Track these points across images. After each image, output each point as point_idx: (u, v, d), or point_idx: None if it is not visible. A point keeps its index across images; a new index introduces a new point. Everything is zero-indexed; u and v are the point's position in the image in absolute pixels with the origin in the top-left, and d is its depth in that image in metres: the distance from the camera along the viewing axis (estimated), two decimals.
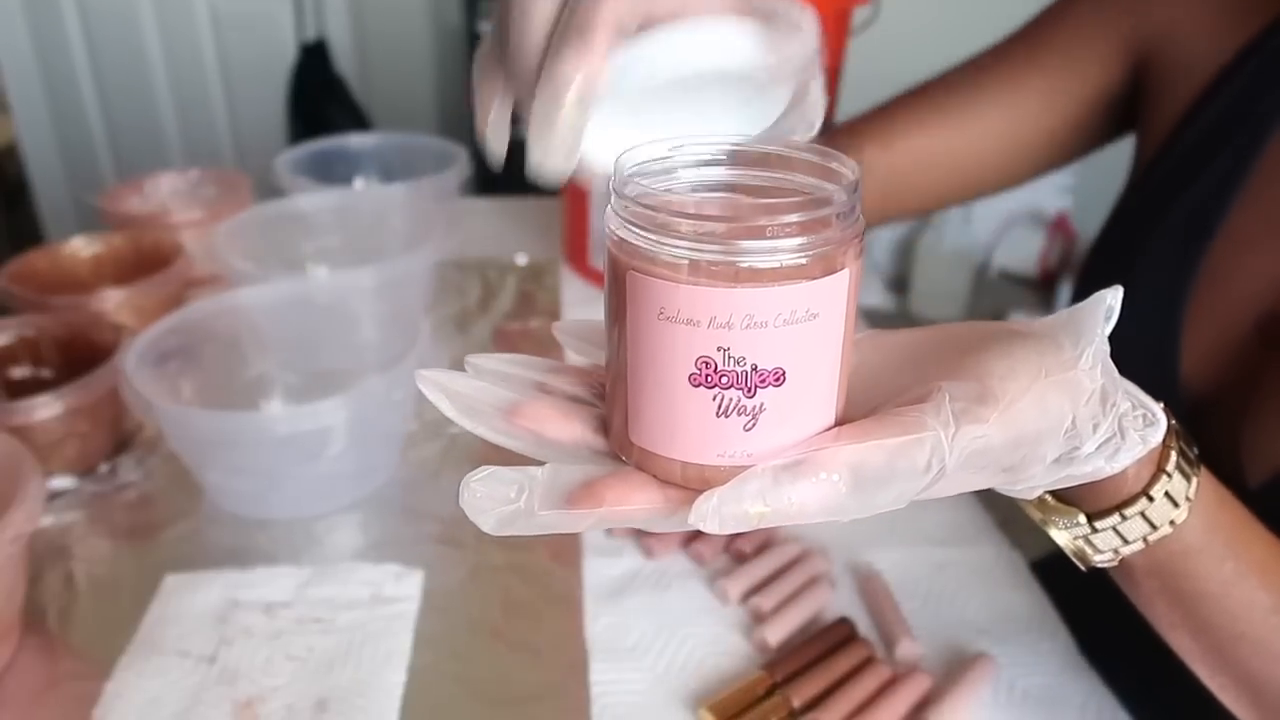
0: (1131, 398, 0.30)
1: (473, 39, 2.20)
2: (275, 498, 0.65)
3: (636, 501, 0.25)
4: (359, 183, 1.09)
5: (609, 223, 0.25)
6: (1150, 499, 0.33)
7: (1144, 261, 0.54)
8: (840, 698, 0.49)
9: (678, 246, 0.23)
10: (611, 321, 0.26)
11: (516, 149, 0.31)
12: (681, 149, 0.27)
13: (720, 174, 0.27)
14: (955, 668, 0.52)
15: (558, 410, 0.28)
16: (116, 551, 0.62)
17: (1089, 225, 1.94)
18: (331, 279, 0.78)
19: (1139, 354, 0.52)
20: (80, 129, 2.40)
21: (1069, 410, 0.27)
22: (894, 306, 2.40)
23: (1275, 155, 0.49)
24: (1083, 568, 0.36)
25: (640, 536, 0.61)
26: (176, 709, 0.50)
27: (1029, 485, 0.29)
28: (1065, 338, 0.28)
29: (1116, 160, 0.62)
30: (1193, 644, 0.37)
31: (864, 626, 0.55)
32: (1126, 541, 0.34)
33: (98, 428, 0.68)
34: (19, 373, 0.73)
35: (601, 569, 0.60)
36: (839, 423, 0.26)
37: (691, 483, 0.26)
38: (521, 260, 1.04)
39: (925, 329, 0.30)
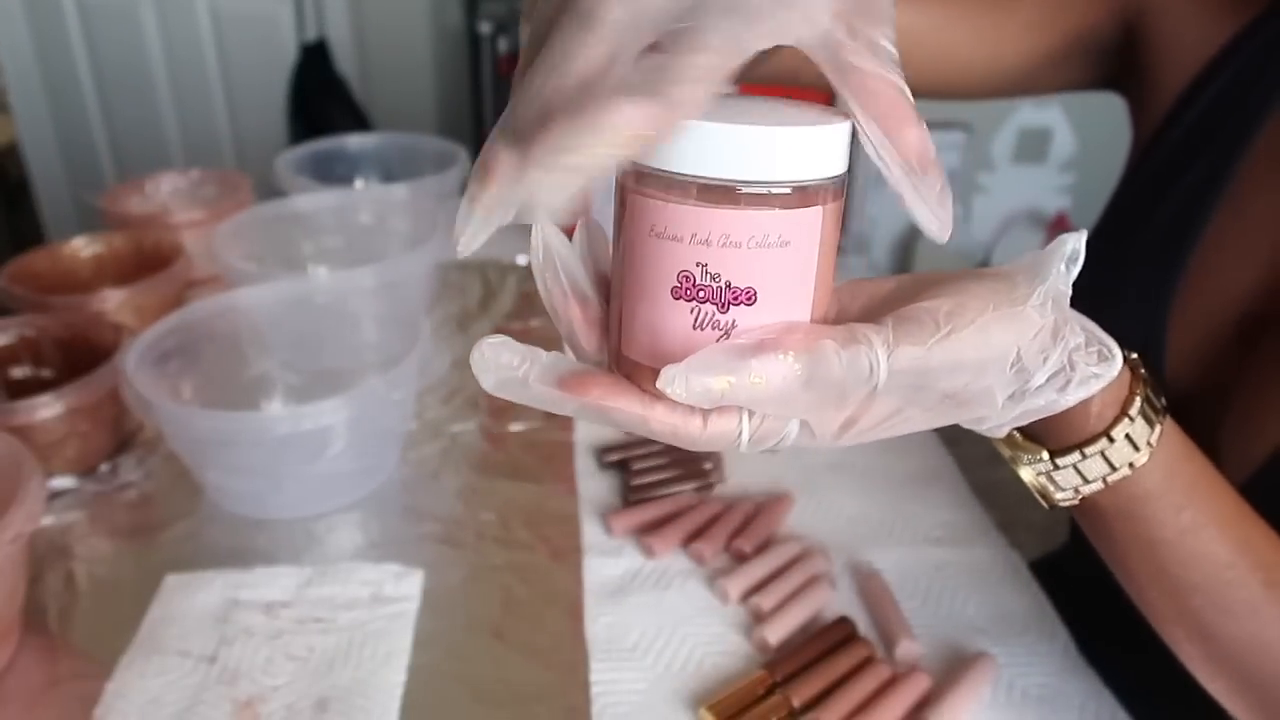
0: (1088, 333, 0.30)
1: (473, 39, 2.20)
2: (275, 497, 0.65)
3: (619, 402, 0.27)
4: (359, 183, 1.09)
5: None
6: (1111, 440, 0.34)
7: (1131, 261, 0.54)
8: (840, 697, 0.49)
9: (674, 170, 0.26)
10: (615, 243, 0.29)
11: None
12: None
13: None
14: (955, 668, 0.52)
15: (619, 380, 0.29)
16: (117, 551, 0.62)
17: (1088, 225, 1.94)
18: (331, 279, 0.78)
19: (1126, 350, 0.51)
20: (81, 129, 2.40)
21: (1012, 342, 0.28)
22: None
23: (1257, 157, 0.49)
24: (1046, 505, 0.37)
25: (640, 536, 0.61)
26: (177, 709, 0.50)
27: (991, 424, 0.31)
28: (1021, 277, 0.29)
29: (1116, 160, 0.62)
30: (1148, 591, 0.38)
31: (864, 626, 0.55)
32: (1086, 480, 0.35)
33: (98, 428, 0.68)
34: (19, 373, 0.73)
35: (601, 569, 0.60)
36: None
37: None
38: (522, 260, 1.04)
39: (900, 276, 0.31)
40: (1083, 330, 0.30)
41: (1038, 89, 0.62)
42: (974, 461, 0.70)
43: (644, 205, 0.27)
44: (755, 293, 0.27)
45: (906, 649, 0.53)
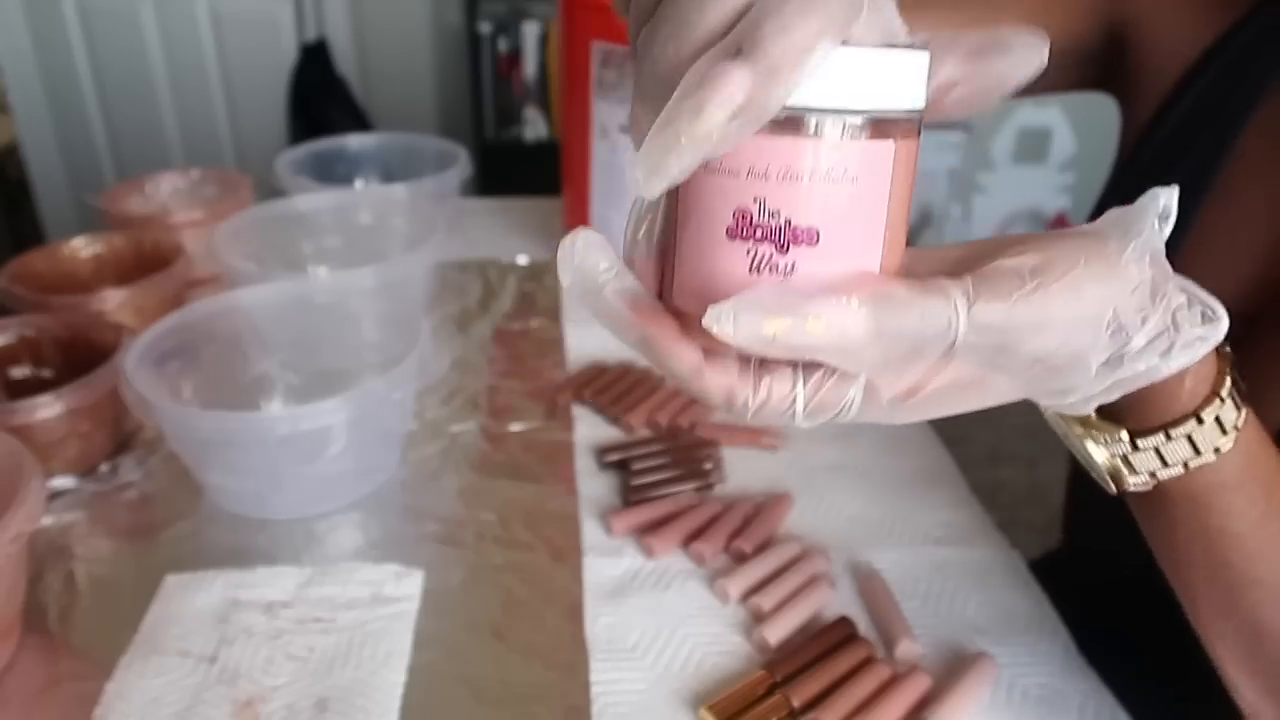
0: (1189, 293, 0.28)
1: (473, 39, 2.20)
2: (275, 498, 0.65)
3: (677, 349, 0.25)
4: (359, 183, 1.09)
5: None
6: (1200, 421, 0.31)
7: None
8: (840, 697, 0.49)
9: None
10: (672, 193, 0.26)
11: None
12: None
13: None
14: (955, 668, 0.52)
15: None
16: (117, 551, 0.62)
17: None
18: (331, 279, 0.78)
19: None
20: (81, 129, 2.41)
21: (1109, 299, 0.26)
22: None
23: (1243, 154, 0.49)
24: (1113, 490, 0.34)
25: (640, 536, 0.61)
26: (177, 709, 0.50)
27: (1079, 395, 0.28)
28: (1112, 231, 0.27)
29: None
30: (1205, 583, 0.36)
31: (864, 626, 0.55)
32: (1166, 464, 0.33)
33: (98, 428, 0.68)
34: (19, 373, 0.73)
35: (601, 569, 0.60)
36: None
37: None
38: (522, 260, 1.04)
39: (970, 242, 0.29)
40: (1183, 289, 0.28)
41: (1028, 93, 0.62)
42: (974, 461, 0.70)
43: None
44: (818, 233, 0.24)
45: (906, 649, 0.53)
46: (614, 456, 0.69)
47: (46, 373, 0.74)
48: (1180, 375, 0.30)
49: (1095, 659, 0.53)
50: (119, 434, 0.71)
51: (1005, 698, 0.51)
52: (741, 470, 0.69)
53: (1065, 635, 0.55)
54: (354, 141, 1.10)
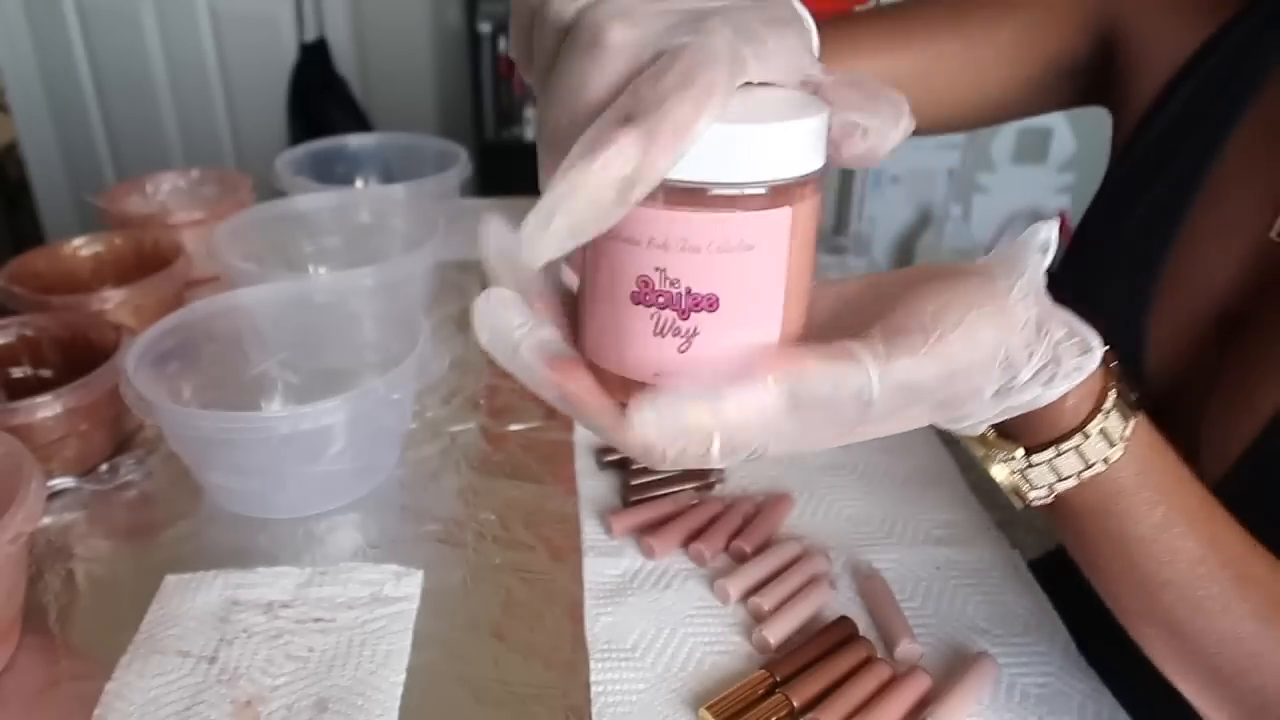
0: (1068, 325, 0.30)
1: (473, 39, 2.20)
2: (276, 498, 0.65)
3: (594, 405, 0.27)
4: (359, 183, 1.09)
5: None
6: (1086, 435, 0.33)
7: (1112, 261, 0.54)
8: (840, 697, 0.49)
9: None
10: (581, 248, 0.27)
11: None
12: None
13: None
14: (955, 668, 0.52)
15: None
16: (116, 551, 0.62)
17: None
18: (331, 279, 0.78)
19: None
20: (80, 129, 2.41)
21: (1000, 340, 0.28)
22: None
23: (1231, 156, 0.50)
24: (1019, 505, 0.37)
25: (640, 536, 0.61)
26: (177, 709, 0.50)
27: (973, 421, 0.30)
28: (999, 270, 0.28)
29: None
30: (1120, 588, 0.38)
31: (864, 626, 0.55)
32: (1061, 477, 0.35)
33: (98, 428, 0.68)
34: (19, 373, 0.73)
35: (601, 569, 0.60)
36: None
37: (630, 398, 0.27)
38: None
39: (871, 276, 0.31)
40: (1064, 323, 0.30)
41: (1025, 113, 0.62)
42: (974, 461, 0.70)
43: None
44: (718, 299, 0.25)
45: (907, 649, 0.53)
46: (614, 456, 0.69)
47: (46, 373, 0.74)
48: (1062, 396, 0.31)
49: (1095, 659, 0.53)
50: (119, 434, 0.71)
51: (1005, 698, 0.51)
52: (741, 470, 0.69)
53: (1065, 635, 0.55)
54: (354, 141, 1.10)
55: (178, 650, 0.53)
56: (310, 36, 2.21)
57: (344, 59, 2.26)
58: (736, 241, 0.24)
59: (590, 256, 0.26)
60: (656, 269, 0.25)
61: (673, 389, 0.24)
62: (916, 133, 0.65)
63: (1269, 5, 0.50)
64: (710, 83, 0.23)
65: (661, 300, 0.25)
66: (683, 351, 0.26)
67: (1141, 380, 0.51)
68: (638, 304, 0.26)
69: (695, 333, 0.25)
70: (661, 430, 0.24)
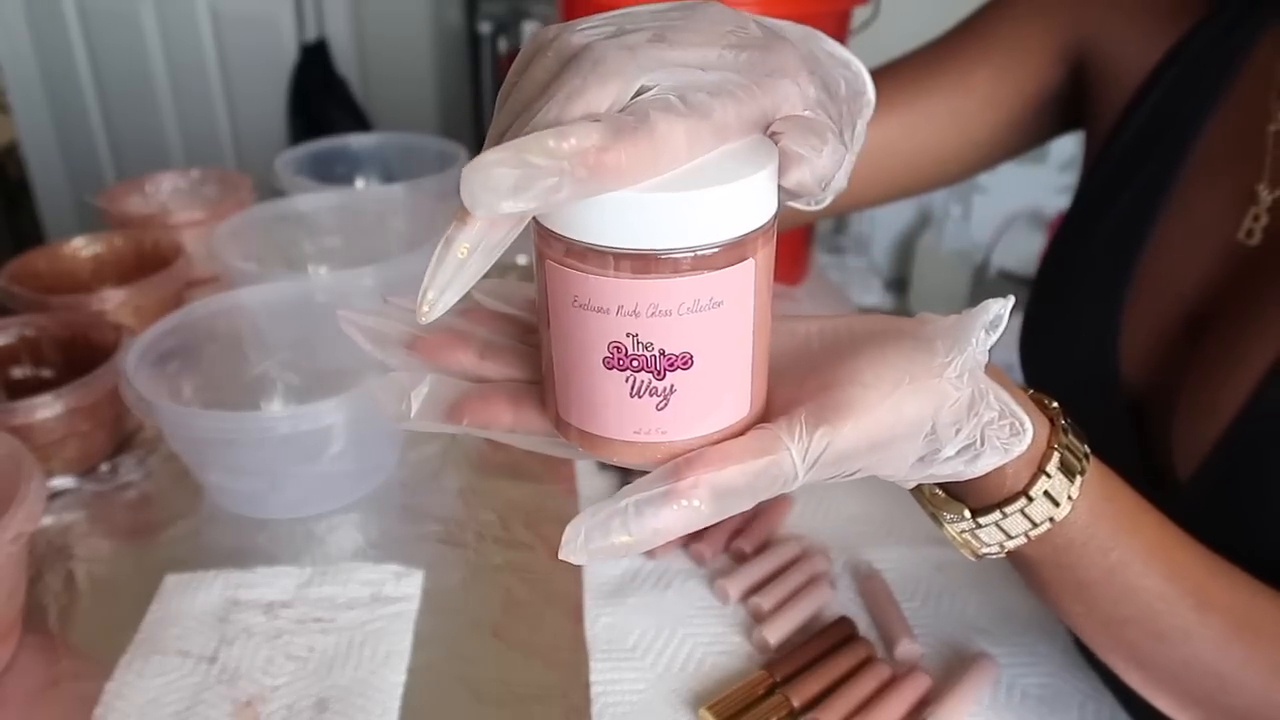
0: (1002, 406, 0.30)
1: (473, 39, 2.20)
2: (275, 498, 0.65)
3: (495, 420, 0.30)
4: (359, 183, 1.09)
5: (534, 215, 0.26)
6: (1029, 498, 0.34)
7: (1085, 265, 0.55)
8: (840, 697, 0.49)
9: (587, 241, 0.24)
10: (539, 303, 0.27)
11: None
12: None
13: None
14: (955, 668, 0.52)
15: (447, 342, 0.31)
16: (117, 551, 0.62)
17: None
18: (331, 279, 0.78)
19: (1082, 353, 0.53)
20: (80, 129, 2.40)
21: (928, 416, 0.28)
22: (893, 306, 2.40)
23: (1199, 160, 0.50)
24: (972, 558, 0.37)
25: None
26: (177, 709, 0.50)
27: (896, 478, 0.31)
28: (941, 343, 0.29)
29: None
30: (1084, 627, 0.39)
31: (864, 626, 0.55)
32: (1010, 536, 0.35)
33: (98, 428, 0.68)
34: (19, 373, 0.73)
35: (601, 569, 0.60)
36: (754, 400, 0.28)
37: (613, 456, 0.28)
38: (521, 260, 1.04)
39: (826, 319, 0.31)
40: (998, 402, 0.30)
41: (1014, 153, 0.63)
42: None
43: (564, 275, 0.25)
44: (691, 356, 0.25)
45: (906, 649, 0.53)
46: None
47: (46, 373, 0.74)
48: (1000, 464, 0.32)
49: (1095, 659, 0.53)
50: (119, 434, 0.71)
51: (1005, 698, 0.51)
52: None
53: (1065, 635, 0.55)
54: (354, 141, 1.10)
55: (178, 650, 0.53)
56: (310, 37, 2.21)
57: (344, 59, 2.26)
58: (707, 300, 0.25)
59: (555, 324, 0.26)
60: (628, 334, 0.25)
61: (601, 519, 0.25)
62: (912, 193, 0.66)
63: (1231, 11, 0.50)
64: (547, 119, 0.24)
65: (635, 363, 0.26)
66: (661, 409, 0.26)
67: (1116, 382, 0.51)
68: (610, 369, 0.26)
69: (672, 390, 0.26)
70: (591, 555, 0.26)
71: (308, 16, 2.23)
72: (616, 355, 0.25)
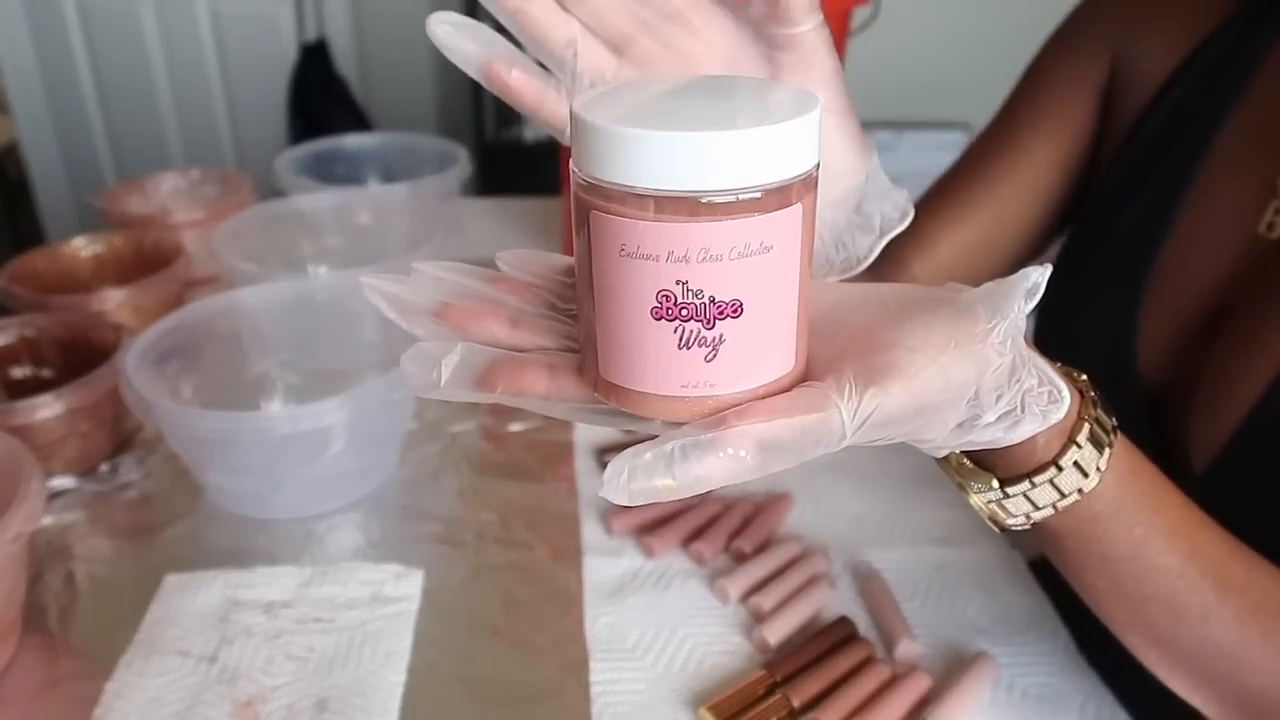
0: (1041, 374, 0.31)
1: None
2: (275, 498, 0.65)
3: (530, 387, 0.29)
4: (359, 183, 1.09)
5: (574, 164, 0.26)
6: (1059, 468, 0.34)
7: (1103, 262, 0.56)
8: (840, 697, 0.49)
9: (635, 185, 0.24)
10: (580, 262, 0.27)
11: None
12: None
13: None
14: (955, 668, 0.52)
15: (478, 310, 0.30)
16: (117, 551, 0.62)
17: None
18: (331, 279, 0.78)
19: (1099, 345, 0.54)
20: (81, 129, 2.40)
21: (973, 380, 0.28)
22: None
23: (1217, 157, 0.51)
24: (997, 530, 0.37)
25: (640, 536, 0.61)
26: (177, 709, 0.50)
27: (932, 446, 0.31)
28: (983, 309, 0.29)
29: None
30: (1105, 603, 0.40)
31: (864, 626, 0.55)
32: (1037, 507, 0.35)
33: (98, 428, 0.68)
34: (19, 373, 0.73)
35: (601, 569, 0.60)
36: (799, 356, 0.28)
37: (659, 413, 0.27)
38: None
39: (853, 285, 0.31)
40: (1036, 370, 0.30)
41: (1080, 209, 0.63)
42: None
43: (609, 223, 0.25)
44: (741, 304, 0.25)
45: (906, 649, 0.53)
46: (614, 456, 0.69)
47: (46, 373, 0.74)
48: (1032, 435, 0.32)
49: (1095, 659, 0.53)
50: (119, 434, 0.71)
51: (1005, 698, 0.51)
52: None
53: (1065, 635, 0.55)
54: (354, 141, 1.10)
55: (178, 650, 0.53)
56: (310, 37, 2.21)
57: (344, 59, 2.26)
58: (757, 244, 0.25)
59: (597, 275, 0.26)
60: (678, 281, 0.25)
61: (647, 458, 0.25)
62: (1019, 268, 0.67)
63: (1253, 9, 0.52)
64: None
65: (685, 312, 0.25)
66: (710, 361, 0.26)
67: (1134, 374, 0.52)
68: (659, 319, 0.25)
69: (721, 340, 0.26)
70: (632, 495, 0.25)
71: (308, 16, 2.22)
72: (665, 304, 0.25)
